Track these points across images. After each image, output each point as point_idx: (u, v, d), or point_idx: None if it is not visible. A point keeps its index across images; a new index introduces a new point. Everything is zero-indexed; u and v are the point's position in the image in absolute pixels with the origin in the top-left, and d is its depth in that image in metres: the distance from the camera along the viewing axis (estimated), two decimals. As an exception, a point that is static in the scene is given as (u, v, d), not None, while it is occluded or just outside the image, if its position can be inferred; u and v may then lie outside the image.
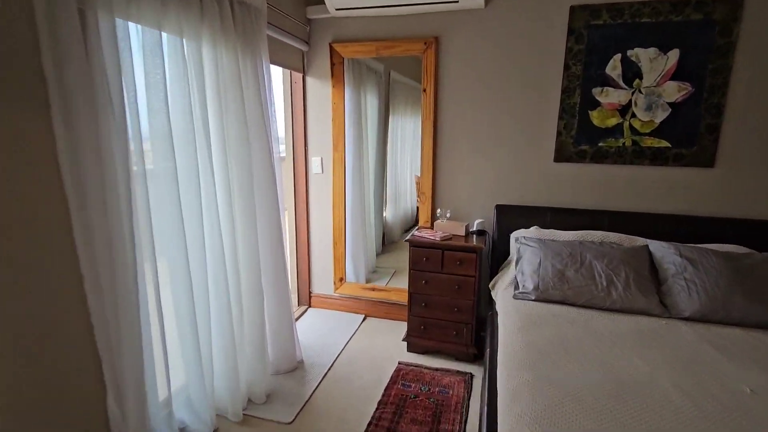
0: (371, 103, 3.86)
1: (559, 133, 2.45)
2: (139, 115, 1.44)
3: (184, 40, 1.62)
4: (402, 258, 4.43)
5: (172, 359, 1.69)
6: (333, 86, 2.80)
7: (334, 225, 2.99)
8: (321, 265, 3.11)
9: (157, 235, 1.56)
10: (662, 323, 1.72)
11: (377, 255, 4.28)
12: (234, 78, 1.88)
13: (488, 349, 1.89)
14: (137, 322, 1.47)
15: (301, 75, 2.84)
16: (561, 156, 2.47)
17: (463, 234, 2.51)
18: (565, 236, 2.18)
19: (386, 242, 4.68)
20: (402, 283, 3.41)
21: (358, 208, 3.37)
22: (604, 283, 1.84)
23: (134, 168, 1.44)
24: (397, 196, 4.68)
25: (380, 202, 4.38)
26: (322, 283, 3.14)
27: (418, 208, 5.36)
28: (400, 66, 4.42)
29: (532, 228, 2.34)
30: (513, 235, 2.40)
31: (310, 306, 3.19)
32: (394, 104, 4.46)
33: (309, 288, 3.16)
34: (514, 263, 2.15)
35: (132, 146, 1.42)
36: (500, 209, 2.53)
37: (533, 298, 1.89)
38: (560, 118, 2.44)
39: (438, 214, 2.61)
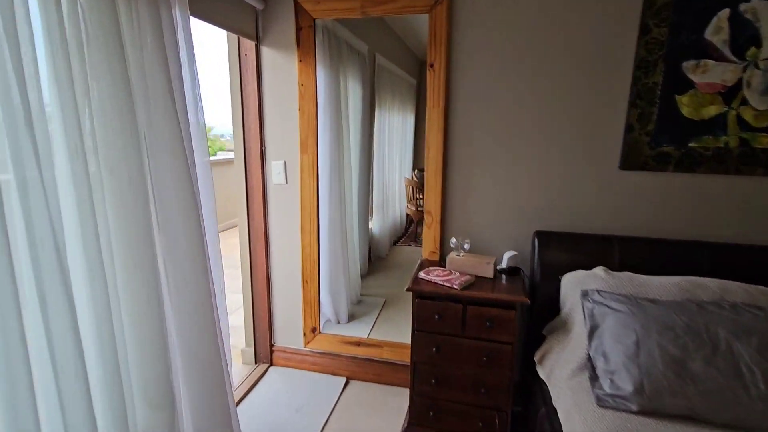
0: (354, 91, 3.04)
1: (629, 128, 1.68)
2: None
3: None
4: (393, 279, 3.62)
5: None
6: (300, 60, 1.95)
7: (303, 256, 2.14)
8: (286, 311, 2.27)
9: None
10: None
11: (362, 277, 3.47)
12: (109, 34, 1.03)
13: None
14: None
15: (253, 44, 1.98)
16: (631, 161, 1.70)
17: (490, 275, 1.71)
18: (657, 288, 1.39)
19: (373, 259, 3.88)
20: (396, 323, 2.61)
21: (337, 228, 2.55)
22: (762, 386, 1.06)
23: None
24: (384, 202, 3.87)
25: (365, 213, 3.56)
26: (288, 333, 2.29)
27: (408, 215, 4.59)
28: (387, 50, 3.61)
29: (596, 269, 1.56)
30: (568, 280, 1.60)
31: (271, 364, 2.34)
32: (381, 94, 3.65)
33: (270, 339, 2.31)
34: (584, 334, 1.35)
35: None
36: (542, 238, 1.74)
37: (635, 409, 1.10)
38: (632, 105, 1.66)
39: (452, 245, 1.80)
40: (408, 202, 4.31)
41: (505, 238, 1.87)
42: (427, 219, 1.94)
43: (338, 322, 2.73)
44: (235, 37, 1.99)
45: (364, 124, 3.28)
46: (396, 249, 4.27)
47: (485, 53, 1.77)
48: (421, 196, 4.06)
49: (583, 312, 1.38)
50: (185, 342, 1.34)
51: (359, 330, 2.57)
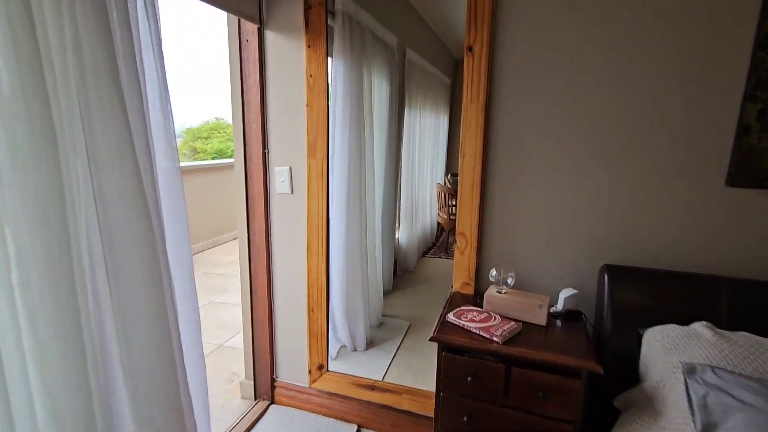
0: (380, 88, 2.68)
1: (744, 130, 1.22)
2: None
3: None
4: (421, 296, 3.24)
5: None
6: (308, 46, 1.61)
7: (309, 280, 1.80)
8: (290, 341, 1.93)
9: None
10: None
11: (386, 293, 3.11)
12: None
13: None
14: None
15: (256, 27, 1.67)
16: (746, 175, 1.24)
17: (542, 322, 1.29)
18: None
19: (399, 272, 3.51)
20: (420, 355, 2.24)
21: (356, 242, 2.21)
22: None
23: None
24: (413, 210, 3.48)
25: (391, 223, 3.19)
26: (292, 368, 1.96)
27: (439, 223, 4.19)
28: (419, 44, 3.23)
29: (698, 326, 1.11)
30: (654, 338, 1.16)
31: (273, 401, 2.01)
32: (411, 93, 3.28)
33: (272, 373, 1.99)
34: (691, 430, 0.91)
35: None
36: (615, 275, 1.30)
37: None
38: (749, 99, 1.20)
39: (492, 278, 1.39)
40: (439, 209, 3.91)
41: (561, 272, 1.45)
42: (459, 242, 1.54)
43: (354, 350, 2.39)
44: (235, 19, 1.68)
45: (391, 125, 2.92)
46: (425, 261, 3.88)
47: (542, 32, 1.36)
48: (454, 203, 3.66)
49: (688, 396, 0.95)
50: (136, 398, 1.02)
51: (377, 360, 2.22)
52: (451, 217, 3.82)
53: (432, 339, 1.23)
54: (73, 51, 0.83)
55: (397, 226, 3.47)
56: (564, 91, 1.36)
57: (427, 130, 3.58)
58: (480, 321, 1.27)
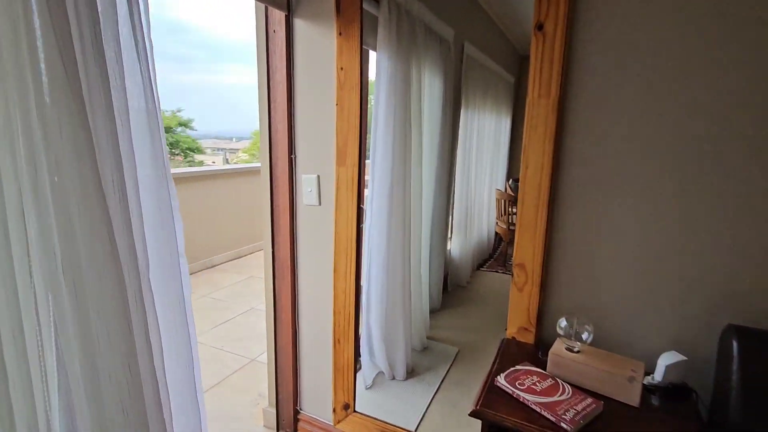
0: (431, 85, 2.39)
1: None
2: None
3: None
4: (473, 317, 2.90)
5: None
6: (340, 33, 1.37)
7: (335, 306, 1.55)
8: (315, 372, 1.70)
9: None
10: None
11: (433, 312, 2.82)
12: None
13: None
14: None
15: (283, 15, 1.45)
16: None
17: (635, 401, 0.93)
18: None
19: (450, 288, 3.18)
20: (469, 390, 1.95)
21: (397, 256, 1.96)
22: None
23: None
24: (468, 219, 3.13)
25: (442, 233, 2.88)
26: (317, 401, 1.73)
27: (497, 233, 3.79)
28: (479, 38, 2.90)
29: None
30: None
31: (295, 436, 1.80)
32: (469, 91, 2.94)
33: (295, 404, 1.77)
34: None
35: None
36: (748, 339, 0.90)
37: None
38: None
39: (561, 329, 1.04)
40: (498, 218, 3.52)
41: (662, 330, 1.06)
42: (517, 277, 1.20)
43: (393, 378, 2.12)
44: (262, 9, 1.48)
45: (444, 127, 2.61)
46: (480, 275, 3.50)
47: (640, 3, 0.99)
48: (514, 211, 3.26)
49: None
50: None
51: (417, 394, 1.95)
52: (511, 227, 3.43)
53: (473, 414, 0.92)
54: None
55: (448, 236, 3.15)
56: (677, 80, 0.98)
57: (486, 132, 3.22)
58: (543, 392, 0.94)
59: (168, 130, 8.56)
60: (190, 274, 3.89)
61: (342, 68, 1.38)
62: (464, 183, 3.00)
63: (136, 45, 0.86)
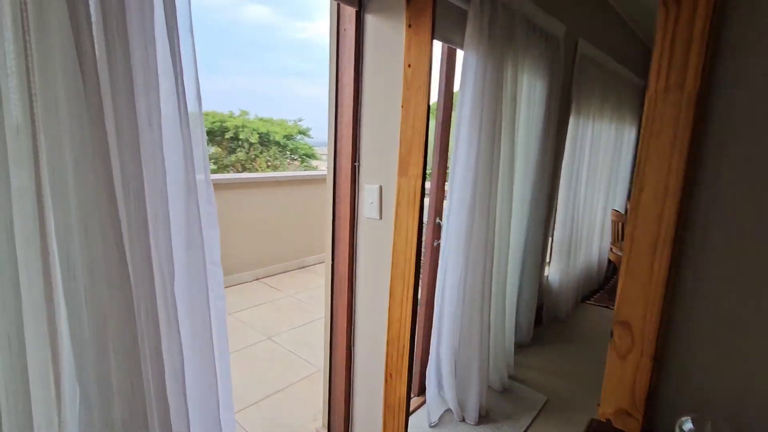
0: (530, 89, 2.08)
1: None
2: None
3: None
4: (569, 360, 2.47)
5: None
6: (409, 26, 1.20)
7: (389, 336, 1.37)
8: (366, 405, 1.54)
9: None
10: None
11: (520, 346, 2.48)
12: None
13: None
14: None
15: (354, 11, 1.34)
16: None
17: None
18: None
19: (544, 320, 2.76)
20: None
21: (476, 284, 1.73)
22: None
23: None
24: (573, 243, 2.68)
25: (537, 258, 2.52)
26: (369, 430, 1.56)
27: (611, 261, 3.23)
28: (597, 34, 2.49)
29: None
30: None
31: (343, 468, 1.65)
32: (581, 96, 2.52)
33: (347, 429, 1.63)
34: None
35: None
36: None
37: None
38: None
39: (683, 430, 0.70)
40: (613, 243, 2.96)
41: None
42: (619, 338, 0.87)
43: (462, 420, 1.87)
44: (335, 5, 1.39)
45: (546, 136, 2.26)
46: (585, 308, 2.99)
47: None
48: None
49: None
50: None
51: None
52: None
53: None
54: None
55: (546, 260, 2.73)
56: None
57: (603, 143, 2.73)
58: None
59: (289, 138, 9.44)
60: (281, 273, 4.09)
61: (410, 65, 1.20)
62: (570, 201, 2.56)
63: (172, 54, 0.81)
